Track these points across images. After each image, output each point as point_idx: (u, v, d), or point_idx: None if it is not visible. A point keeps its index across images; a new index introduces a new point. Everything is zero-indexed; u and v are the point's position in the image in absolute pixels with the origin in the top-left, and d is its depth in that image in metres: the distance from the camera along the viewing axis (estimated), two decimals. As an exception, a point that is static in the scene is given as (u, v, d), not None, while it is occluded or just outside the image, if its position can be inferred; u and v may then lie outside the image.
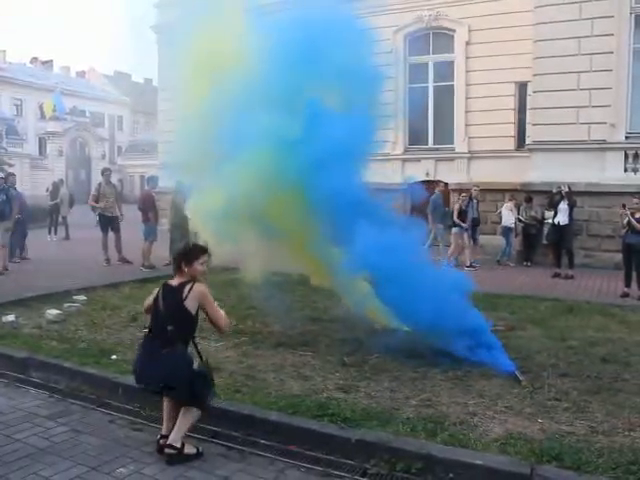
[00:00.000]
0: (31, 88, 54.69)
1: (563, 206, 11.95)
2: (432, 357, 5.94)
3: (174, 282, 4.46)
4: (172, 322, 4.26)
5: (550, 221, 12.51)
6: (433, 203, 13.63)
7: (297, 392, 5.10)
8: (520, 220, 13.94)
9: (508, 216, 13.99)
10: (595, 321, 7.98)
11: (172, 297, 4.36)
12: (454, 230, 13.31)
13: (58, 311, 7.97)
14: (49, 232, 19.22)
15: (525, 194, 14.01)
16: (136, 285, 10.06)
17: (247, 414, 4.59)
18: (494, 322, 7.07)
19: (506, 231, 14.06)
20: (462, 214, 13.23)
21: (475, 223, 13.59)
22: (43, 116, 53.32)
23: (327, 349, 6.42)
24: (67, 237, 19.31)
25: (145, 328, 7.14)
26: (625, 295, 9.79)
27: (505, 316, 8.14)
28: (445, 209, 13.98)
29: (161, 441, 4.27)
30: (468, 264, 12.99)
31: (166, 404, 4.37)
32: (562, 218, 11.99)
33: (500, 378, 5.54)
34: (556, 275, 11.95)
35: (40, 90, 54.07)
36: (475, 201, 13.64)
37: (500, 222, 14.42)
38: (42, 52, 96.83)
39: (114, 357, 6.11)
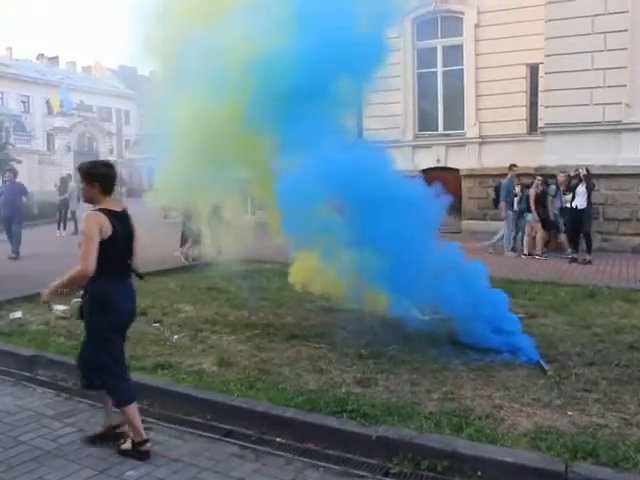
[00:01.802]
0: (38, 84, 54.72)
1: (581, 189, 11.59)
2: (452, 347, 5.70)
3: (115, 207, 3.99)
4: (131, 253, 4.09)
5: (567, 205, 12.19)
6: (505, 188, 13.00)
7: (314, 387, 4.88)
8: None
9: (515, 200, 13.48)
10: (618, 307, 7.72)
11: (128, 225, 4.06)
12: (528, 217, 12.75)
13: (66, 307, 7.77)
14: (58, 227, 19.14)
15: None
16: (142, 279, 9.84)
17: (262, 411, 4.39)
18: (514, 310, 6.85)
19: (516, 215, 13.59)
20: (538, 200, 12.62)
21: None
22: (50, 112, 53.31)
23: (343, 341, 6.15)
24: (76, 232, 19.13)
25: (156, 322, 7.09)
26: (645, 279, 9.48)
27: (524, 303, 7.87)
28: (515, 195, 13.14)
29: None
30: (540, 252, 12.55)
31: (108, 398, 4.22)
32: (580, 202, 11.63)
33: (524, 368, 5.29)
34: (573, 260, 11.65)
35: (47, 86, 54.09)
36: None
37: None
38: (48, 48, 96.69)
39: (122, 353, 5.92)
